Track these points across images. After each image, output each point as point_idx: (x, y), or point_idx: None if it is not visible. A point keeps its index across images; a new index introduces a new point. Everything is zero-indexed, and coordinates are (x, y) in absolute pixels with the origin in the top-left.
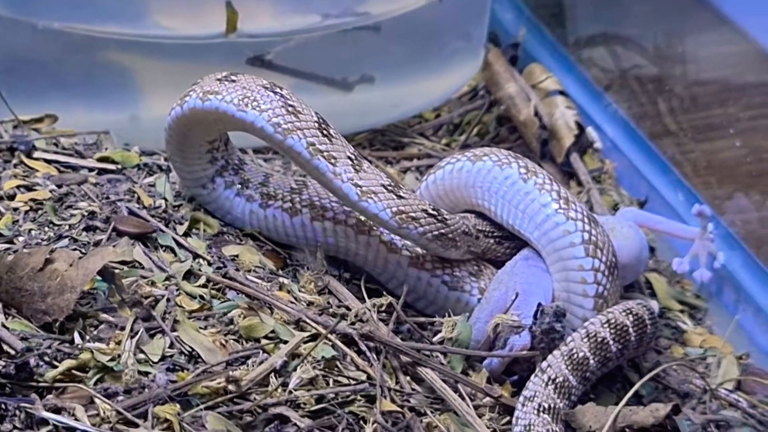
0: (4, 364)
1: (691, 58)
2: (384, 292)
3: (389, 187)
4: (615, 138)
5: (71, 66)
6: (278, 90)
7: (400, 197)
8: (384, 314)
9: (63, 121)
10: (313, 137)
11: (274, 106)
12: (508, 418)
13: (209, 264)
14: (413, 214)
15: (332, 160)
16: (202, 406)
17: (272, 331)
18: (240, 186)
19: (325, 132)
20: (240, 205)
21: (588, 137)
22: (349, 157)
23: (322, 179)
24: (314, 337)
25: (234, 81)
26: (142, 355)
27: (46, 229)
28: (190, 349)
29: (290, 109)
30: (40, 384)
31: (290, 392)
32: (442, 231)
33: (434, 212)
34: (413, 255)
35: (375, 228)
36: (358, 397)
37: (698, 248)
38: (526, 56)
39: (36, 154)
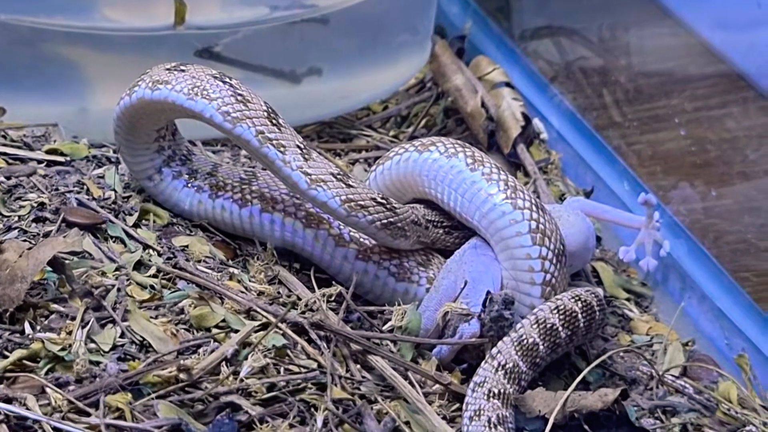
0: None
1: (635, 51)
2: (334, 282)
3: (338, 176)
4: (561, 129)
5: (19, 58)
6: (227, 79)
7: (349, 186)
8: (334, 303)
9: (11, 113)
10: (262, 126)
11: (223, 95)
12: (457, 405)
13: (159, 254)
14: (362, 203)
15: (281, 149)
16: (153, 395)
17: (223, 321)
18: (188, 176)
19: (274, 121)
20: (188, 195)
21: (534, 128)
22: (298, 146)
23: (271, 167)
24: (265, 326)
25: (183, 71)
26: (93, 345)
27: None
28: (141, 339)
29: (239, 98)
30: None
31: (241, 380)
32: (391, 220)
33: (383, 201)
34: (361, 248)
35: (324, 221)
36: (309, 385)
37: (644, 237)
38: (473, 48)
39: None
